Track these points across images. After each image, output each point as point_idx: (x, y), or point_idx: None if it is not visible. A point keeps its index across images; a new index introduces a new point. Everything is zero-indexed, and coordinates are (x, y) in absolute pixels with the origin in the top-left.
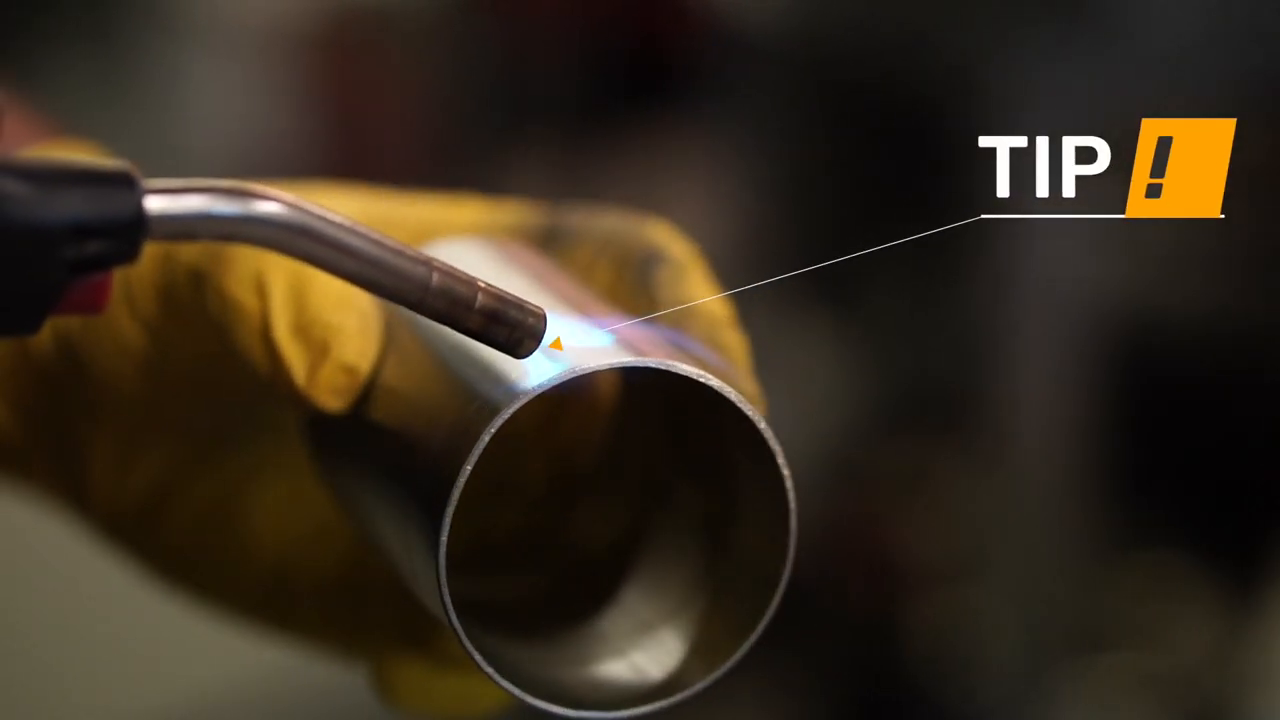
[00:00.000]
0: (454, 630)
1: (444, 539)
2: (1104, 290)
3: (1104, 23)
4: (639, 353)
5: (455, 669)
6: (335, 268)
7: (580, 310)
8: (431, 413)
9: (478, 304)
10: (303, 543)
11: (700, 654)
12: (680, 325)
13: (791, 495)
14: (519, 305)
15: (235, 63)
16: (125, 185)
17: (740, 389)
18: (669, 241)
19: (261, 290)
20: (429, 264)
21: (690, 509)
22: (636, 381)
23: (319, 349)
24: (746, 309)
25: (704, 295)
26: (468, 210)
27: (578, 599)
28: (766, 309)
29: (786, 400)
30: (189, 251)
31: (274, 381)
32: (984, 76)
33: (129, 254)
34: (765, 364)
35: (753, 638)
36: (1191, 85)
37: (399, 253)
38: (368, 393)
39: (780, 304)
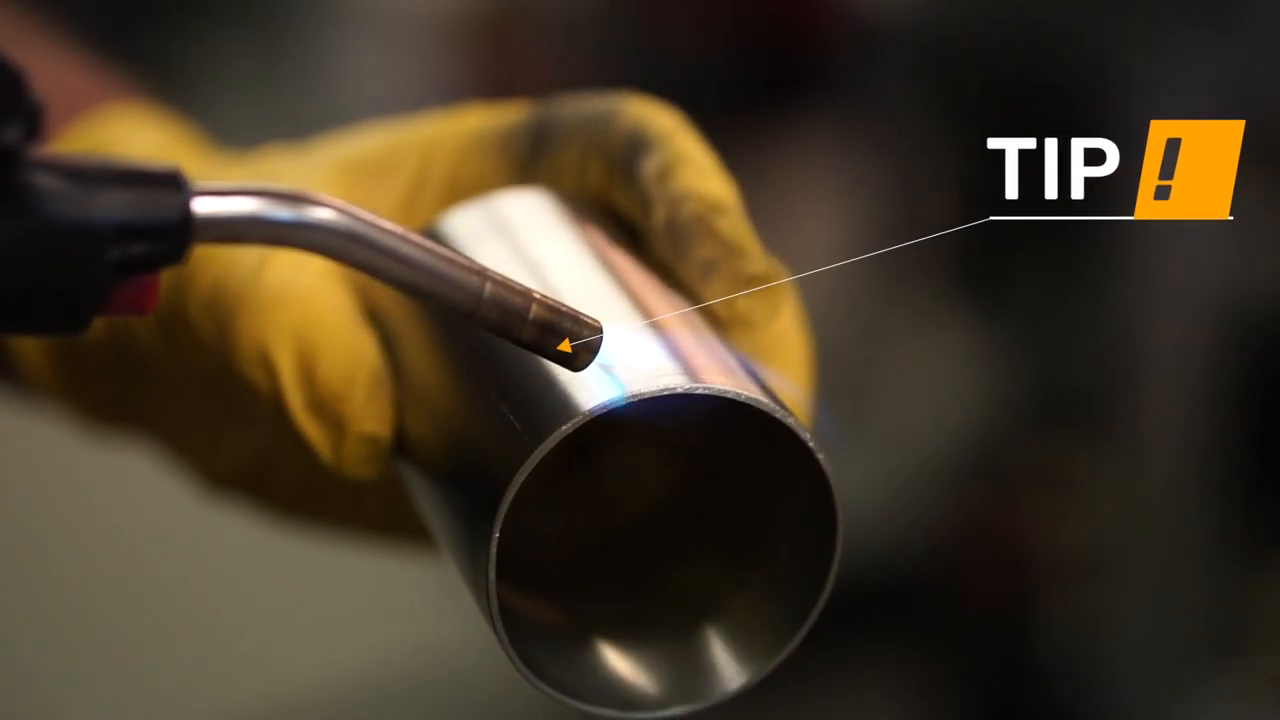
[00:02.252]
0: (505, 648)
1: (493, 590)
2: (1246, 290)
3: (1240, 12)
4: (685, 362)
5: None
6: (387, 275)
7: (631, 291)
8: (465, 454)
9: (531, 315)
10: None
11: (741, 655)
12: (674, 217)
13: (838, 499)
14: (574, 317)
15: (392, 52)
16: (172, 186)
17: (751, 273)
18: (649, 118)
19: (269, 368)
20: (483, 274)
21: (730, 506)
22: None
23: (336, 425)
24: (884, 304)
25: (692, 182)
26: (460, 124)
27: (621, 583)
28: (907, 303)
29: (924, 394)
30: (199, 293)
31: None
32: (1123, 70)
33: (175, 256)
34: (904, 358)
35: (794, 643)
36: None
37: (452, 261)
38: (403, 442)
39: (921, 299)
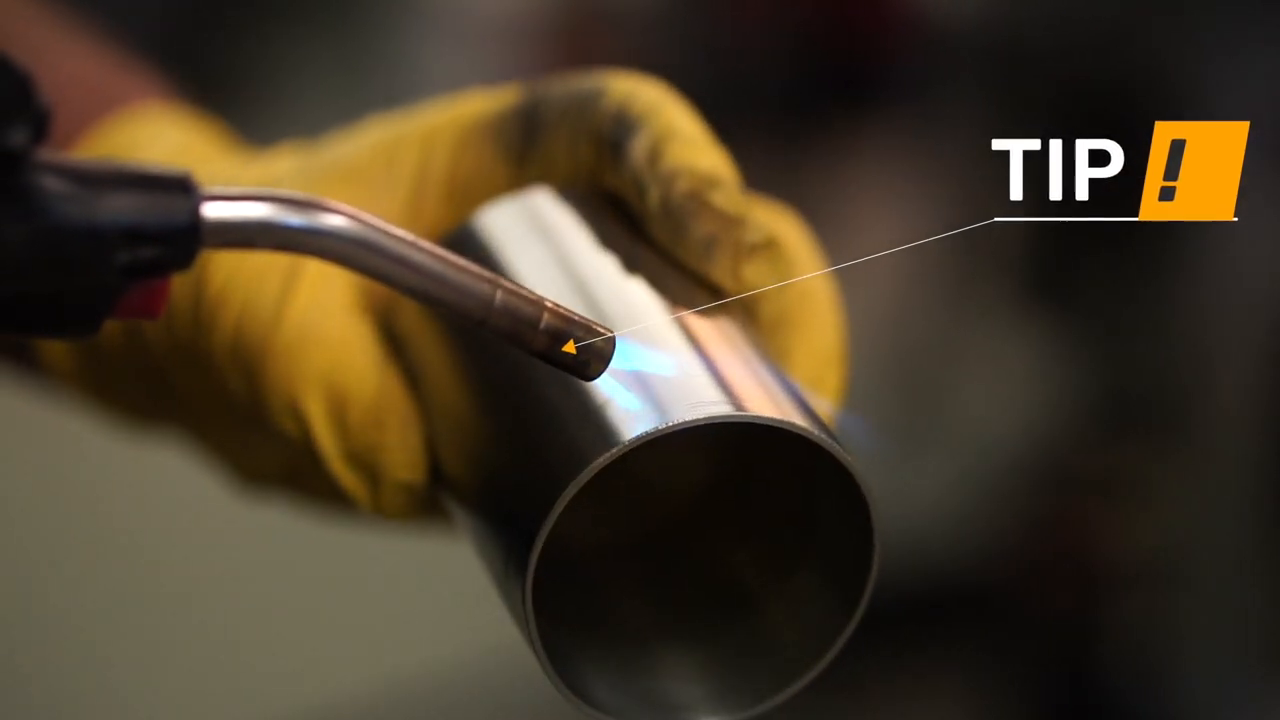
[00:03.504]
0: (549, 675)
1: (530, 608)
2: None
3: None
4: (725, 384)
5: None
6: (397, 282)
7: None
8: (498, 490)
9: (543, 324)
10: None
11: (780, 664)
12: (668, 197)
13: (874, 510)
14: (586, 326)
15: (471, 52)
16: (181, 191)
17: (754, 242)
18: (632, 93)
19: (300, 419)
20: (494, 282)
21: (767, 512)
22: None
23: (370, 474)
24: (956, 309)
25: (682, 157)
26: (461, 109)
27: (661, 589)
28: (979, 308)
29: (995, 399)
30: (224, 335)
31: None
32: (1189, 71)
33: (184, 261)
34: (975, 363)
35: (832, 653)
36: None
37: (463, 269)
38: (438, 476)
39: (993, 304)
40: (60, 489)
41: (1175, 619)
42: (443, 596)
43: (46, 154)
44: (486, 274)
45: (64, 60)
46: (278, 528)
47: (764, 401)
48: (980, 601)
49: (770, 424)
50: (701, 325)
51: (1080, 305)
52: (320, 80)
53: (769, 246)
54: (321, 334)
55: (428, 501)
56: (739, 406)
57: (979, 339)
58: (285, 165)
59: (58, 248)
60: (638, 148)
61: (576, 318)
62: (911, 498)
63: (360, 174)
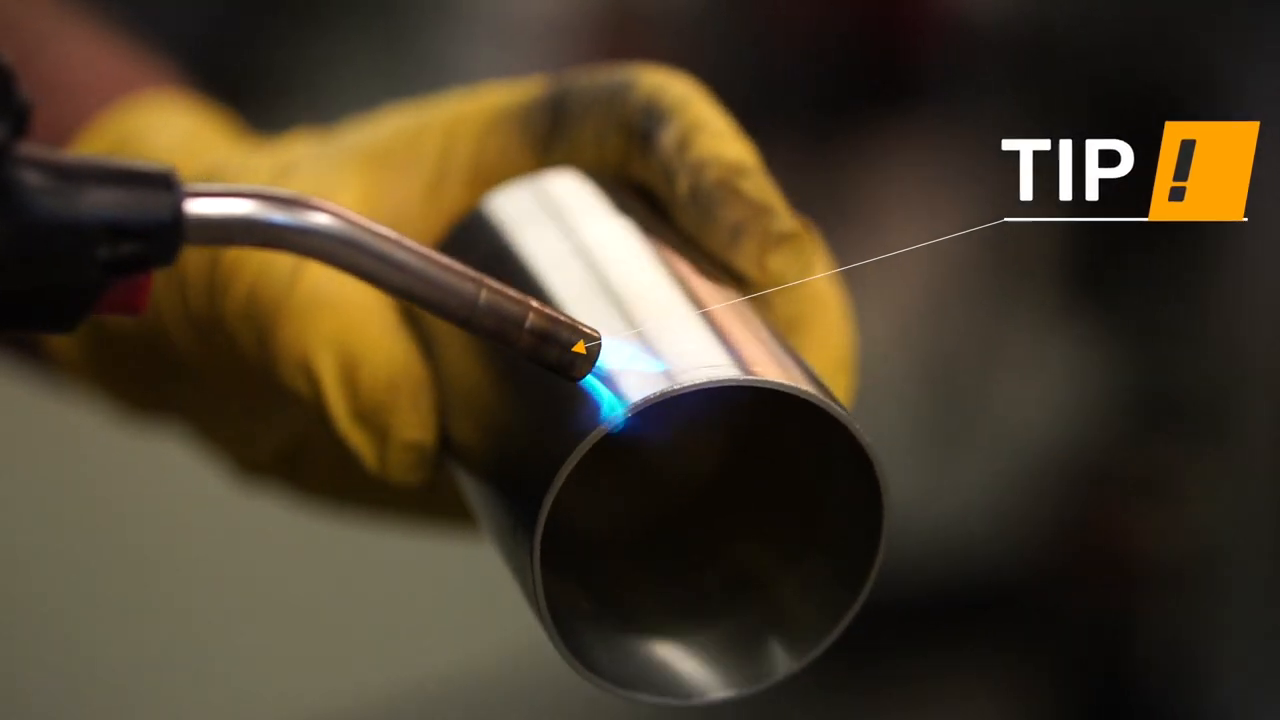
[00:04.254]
0: (554, 641)
1: (539, 586)
2: None
3: None
4: (733, 351)
5: None
6: (381, 280)
7: (675, 270)
8: (508, 454)
9: (529, 323)
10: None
11: (789, 640)
12: (698, 184)
13: (883, 480)
14: (572, 326)
15: (514, 54)
16: (163, 187)
17: (781, 231)
18: (663, 86)
19: (311, 377)
20: (479, 281)
21: (776, 488)
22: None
23: (380, 434)
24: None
25: (712, 147)
26: (485, 99)
27: (668, 569)
28: (1020, 307)
29: (1035, 397)
30: (237, 298)
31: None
32: (1225, 70)
33: (166, 257)
34: (1015, 361)
35: (842, 625)
36: None
37: (447, 268)
38: (447, 443)
39: (1034, 303)
40: (77, 492)
41: (1210, 619)
42: (454, 602)
43: (27, 148)
44: (471, 273)
45: (72, 48)
46: (288, 529)
47: (774, 369)
48: (1015, 601)
49: (779, 388)
50: (714, 300)
51: (1118, 305)
52: (360, 80)
53: (796, 237)
54: (336, 297)
55: (433, 468)
56: (748, 372)
57: (1016, 337)
58: (301, 150)
59: (38, 242)
60: (667, 137)
61: (563, 318)
62: (947, 496)
63: (381, 157)
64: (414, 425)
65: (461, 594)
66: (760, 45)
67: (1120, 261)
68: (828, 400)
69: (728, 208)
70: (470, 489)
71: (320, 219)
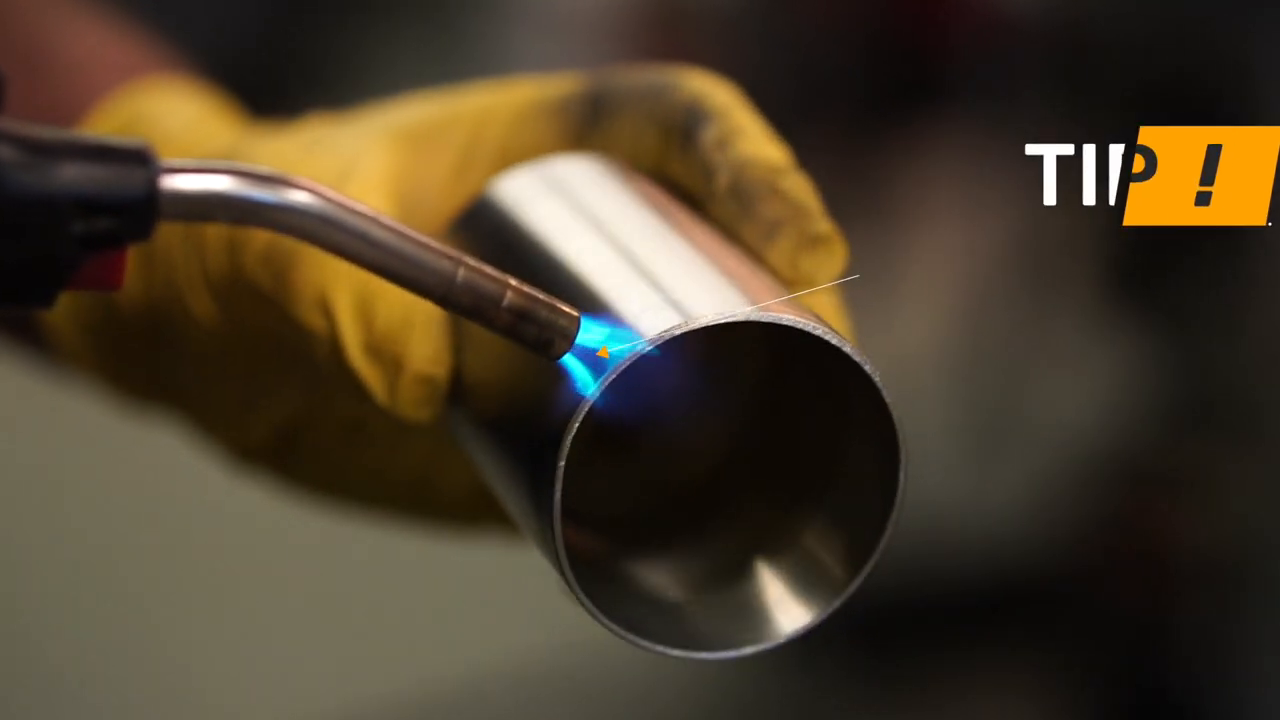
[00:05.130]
0: (574, 590)
1: (558, 508)
2: None
3: None
4: (749, 295)
5: None
6: (358, 258)
7: (697, 246)
8: (523, 396)
9: (506, 301)
10: (430, 455)
11: (804, 596)
12: (738, 180)
13: (900, 430)
14: (550, 305)
15: (561, 46)
16: (137, 162)
17: (817, 232)
18: (707, 90)
19: (327, 312)
20: (457, 259)
21: (791, 446)
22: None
23: (392, 365)
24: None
25: (755, 148)
26: (514, 94)
27: (686, 533)
28: (1062, 305)
29: (1076, 395)
30: (256, 247)
31: (356, 395)
32: (1266, 64)
33: (141, 232)
34: (1057, 359)
35: (858, 581)
36: None
37: (424, 246)
38: (457, 389)
39: (1076, 301)
40: (79, 492)
41: (1250, 618)
42: (459, 603)
43: (1, 122)
44: (450, 251)
45: (83, 31)
46: (292, 529)
47: (789, 311)
48: (1054, 598)
49: (793, 325)
50: (724, 255)
51: (1159, 303)
52: (408, 73)
53: (830, 241)
54: None
55: (442, 406)
56: (763, 311)
57: (1056, 337)
58: (323, 130)
59: (12, 216)
60: (708, 136)
61: (541, 296)
62: (987, 494)
63: (412, 136)
64: (427, 358)
65: (465, 596)
66: (798, 42)
67: (1162, 260)
68: (840, 338)
69: (767, 204)
70: (480, 438)
71: (297, 196)
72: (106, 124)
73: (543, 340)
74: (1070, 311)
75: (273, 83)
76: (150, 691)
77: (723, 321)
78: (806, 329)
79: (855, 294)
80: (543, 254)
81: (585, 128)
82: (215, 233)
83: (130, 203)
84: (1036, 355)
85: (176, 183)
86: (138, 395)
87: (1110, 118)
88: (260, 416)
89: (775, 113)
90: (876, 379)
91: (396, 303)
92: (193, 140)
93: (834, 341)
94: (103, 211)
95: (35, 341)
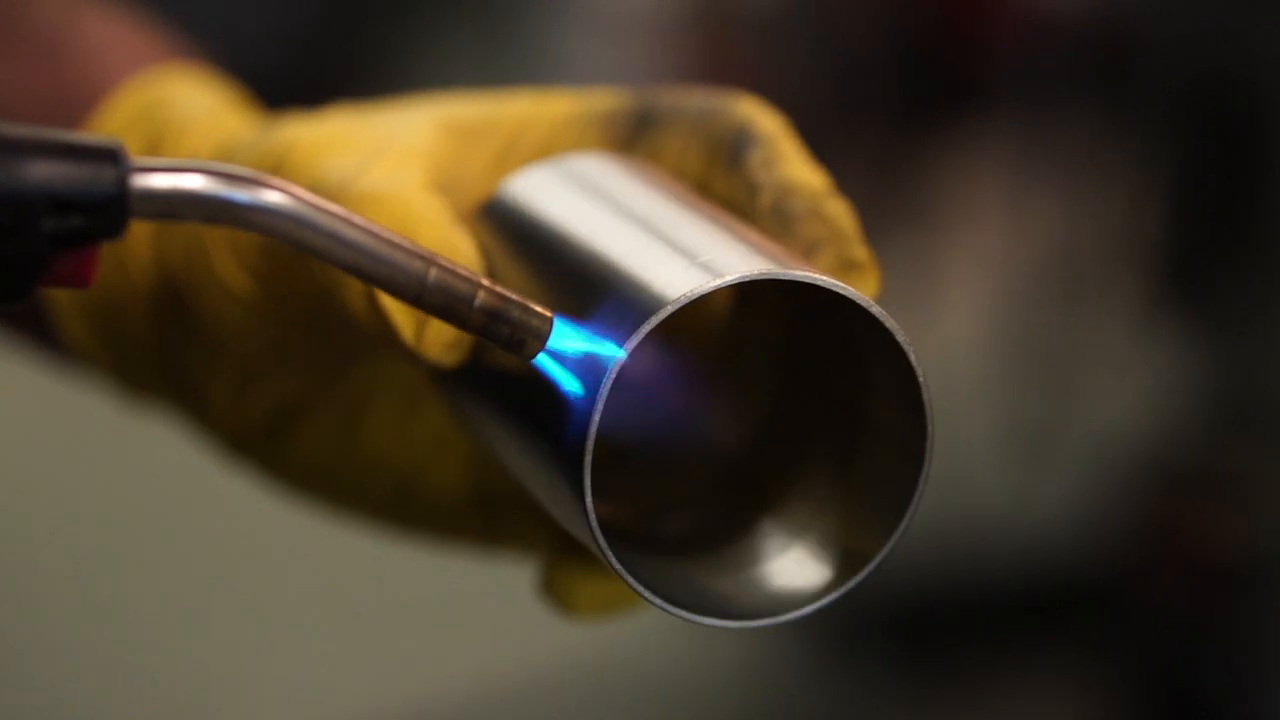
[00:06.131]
0: (606, 560)
1: (588, 473)
2: None
3: None
4: (775, 258)
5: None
6: (330, 257)
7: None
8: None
9: (478, 301)
10: (426, 451)
11: (828, 567)
12: (782, 200)
13: (928, 399)
14: (523, 305)
15: (611, 46)
16: (108, 161)
17: (854, 258)
18: (756, 116)
19: None
20: (429, 259)
21: (816, 416)
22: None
23: None
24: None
25: (800, 172)
26: (561, 101)
27: (715, 505)
28: (1111, 305)
29: (1122, 397)
30: None
31: (384, 342)
32: None
33: (113, 230)
34: (1103, 361)
35: (887, 548)
36: None
37: (396, 246)
38: (471, 364)
39: (1124, 302)
40: (82, 493)
41: None
42: (465, 609)
43: None
44: (422, 251)
45: (99, 18)
46: (297, 532)
47: (815, 273)
48: (1097, 599)
49: (819, 283)
50: (754, 234)
51: (1208, 305)
52: (461, 77)
53: (867, 268)
54: (397, 191)
55: (467, 352)
56: (788, 269)
57: (1104, 338)
58: (375, 117)
59: None
60: (755, 157)
61: (513, 297)
62: (1033, 494)
63: (456, 125)
64: None
65: (470, 600)
66: (841, 45)
67: (1211, 262)
68: (866, 299)
69: (807, 224)
70: (500, 408)
71: (270, 195)
72: (126, 106)
73: (515, 340)
74: (1113, 316)
75: (326, 86)
76: (151, 692)
77: (751, 279)
78: (833, 288)
79: (897, 297)
80: (567, 232)
81: (629, 140)
82: None
83: (101, 201)
84: (1079, 359)
85: (148, 181)
86: (138, 383)
87: (1152, 118)
88: (257, 399)
89: (817, 116)
90: (900, 337)
91: (430, 242)
92: (212, 124)
93: (860, 302)
94: (74, 209)
95: (37, 332)
